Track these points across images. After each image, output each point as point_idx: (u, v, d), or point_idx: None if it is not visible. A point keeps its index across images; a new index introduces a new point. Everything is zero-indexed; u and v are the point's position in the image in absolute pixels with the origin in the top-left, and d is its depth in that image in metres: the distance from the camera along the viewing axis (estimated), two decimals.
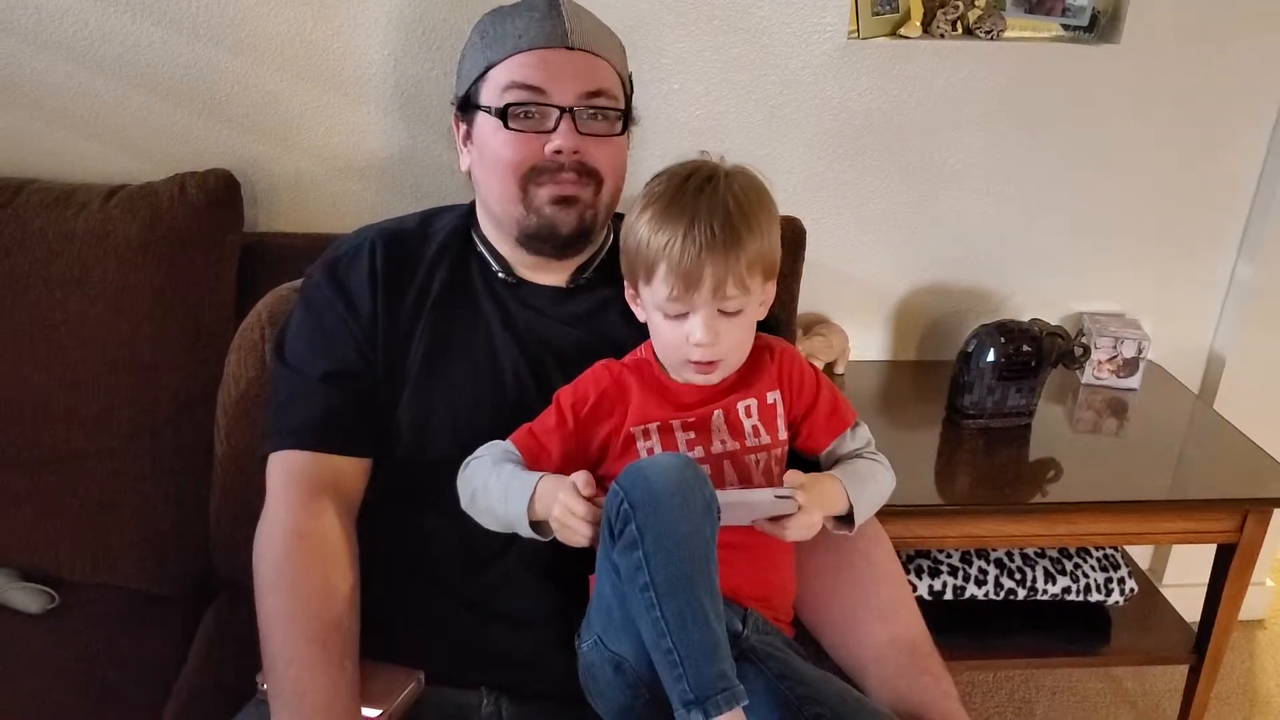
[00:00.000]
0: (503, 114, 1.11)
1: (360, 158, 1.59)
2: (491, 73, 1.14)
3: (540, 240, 1.14)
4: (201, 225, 1.41)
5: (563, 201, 1.12)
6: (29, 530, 1.36)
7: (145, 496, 1.38)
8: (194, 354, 1.39)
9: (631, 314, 1.09)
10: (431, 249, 1.19)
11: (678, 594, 0.87)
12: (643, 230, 1.00)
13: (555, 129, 1.11)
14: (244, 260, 1.46)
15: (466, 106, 1.17)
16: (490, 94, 1.14)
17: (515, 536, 1.02)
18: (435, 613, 1.11)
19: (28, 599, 1.33)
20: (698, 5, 1.58)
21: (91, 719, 1.21)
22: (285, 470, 1.11)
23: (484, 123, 1.14)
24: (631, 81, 1.22)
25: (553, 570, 1.09)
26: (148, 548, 1.38)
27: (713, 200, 0.98)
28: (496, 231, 1.19)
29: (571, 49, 1.13)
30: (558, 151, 1.11)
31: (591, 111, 1.12)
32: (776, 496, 0.97)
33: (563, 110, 1.11)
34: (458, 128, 1.20)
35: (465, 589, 1.11)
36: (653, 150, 1.58)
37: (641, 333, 1.08)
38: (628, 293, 1.08)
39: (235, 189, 1.46)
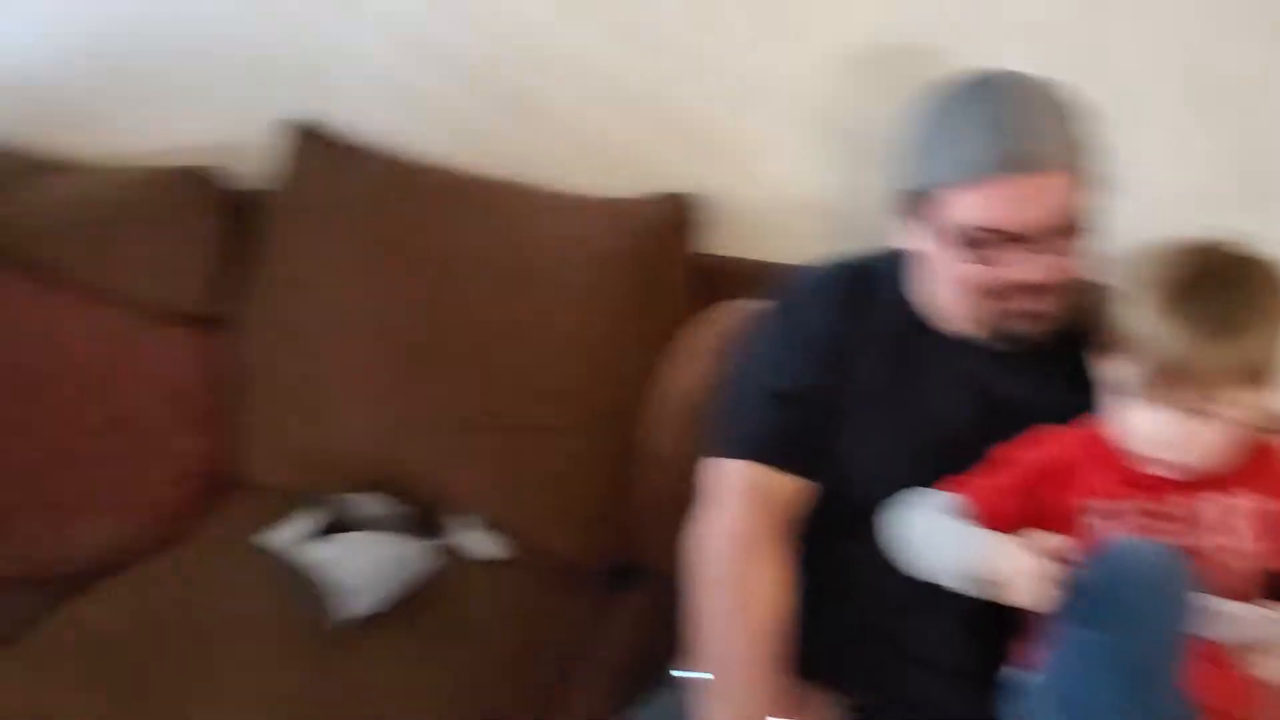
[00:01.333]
0: (964, 247, 1.08)
1: (810, 193, 1.65)
2: (946, 194, 1.07)
3: (998, 340, 1.13)
4: (663, 239, 1.56)
5: (1023, 316, 1.11)
6: (490, 487, 1.55)
7: (590, 477, 1.52)
8: (645, 355, 1.52)
9: (1081, 379, 1.05)
10: (882, 290, 1.22)
11: (1137, 689, 0.84)
12: (1145, 319, 0.95)
13: (1017, 259, 1.07)
14: (694, 277, 1.58)
15: (913, 202, 1.13)
16: (945, 215, 1.08)
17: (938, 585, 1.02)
18: (851, 645, 1.14)
19: (482, 543, 1.50)
20: (1186, 67, 1.47)
21: (503, 678, 1.34)
22: (735, 478, 1.17)
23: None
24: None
25: (976, 625, 1.08)
26: (583, 524, 1.52)
27: (1227, 302, 0.93)
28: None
29: (1035, 174, 1.04)
30: (1022, 283, 1.08)
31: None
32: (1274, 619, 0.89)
33: (1029, 241, 1.06)
34: (900, 208, 1.16)
35: (882, 626, 1.13)
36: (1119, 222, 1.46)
37: (1088, 400, 1.04)
38: (1098, 359, 1.04)
39: (694, 210, 1.60)
